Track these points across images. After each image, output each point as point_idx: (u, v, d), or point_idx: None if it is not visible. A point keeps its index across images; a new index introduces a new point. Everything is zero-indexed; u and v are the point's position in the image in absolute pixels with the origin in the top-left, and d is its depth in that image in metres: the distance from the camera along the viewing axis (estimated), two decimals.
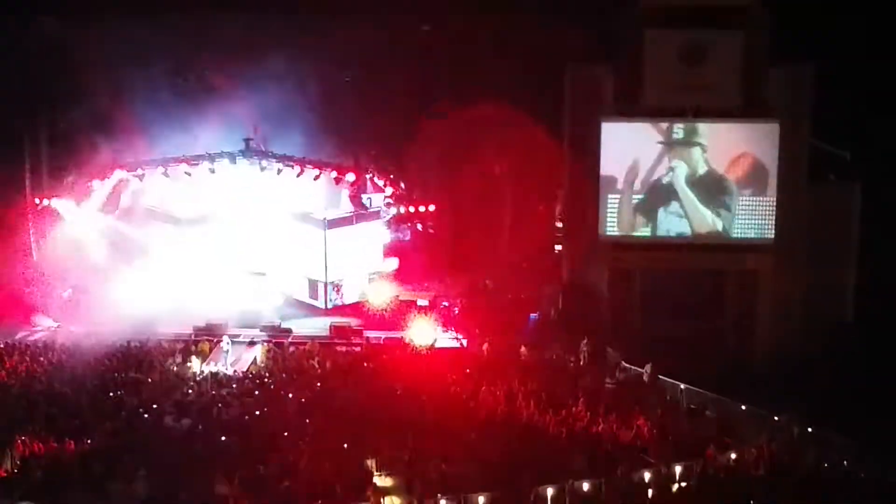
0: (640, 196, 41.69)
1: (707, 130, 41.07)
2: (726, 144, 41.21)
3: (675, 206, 41.64)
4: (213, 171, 44.69)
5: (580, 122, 42.29)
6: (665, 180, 41.40)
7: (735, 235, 41.56)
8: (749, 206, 41.34)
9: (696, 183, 41.38)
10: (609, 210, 41.89)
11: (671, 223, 41.77)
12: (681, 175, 41.31)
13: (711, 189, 41.40)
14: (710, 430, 29.87)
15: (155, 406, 31.20)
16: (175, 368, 36.84)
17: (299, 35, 44.77)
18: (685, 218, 41.62)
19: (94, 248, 44.15)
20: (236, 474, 25.27)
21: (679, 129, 41.12)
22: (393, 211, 46.86)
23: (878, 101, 40.78)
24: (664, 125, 41.15)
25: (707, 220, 41.53)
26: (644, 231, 42.00)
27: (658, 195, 41.61)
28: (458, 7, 45.11)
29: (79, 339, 39.24)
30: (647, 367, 35.66)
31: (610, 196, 41.82)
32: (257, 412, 30.67)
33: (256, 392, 33.25)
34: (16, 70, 43.44)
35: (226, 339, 39.32)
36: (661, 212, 41.66)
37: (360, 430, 28.72)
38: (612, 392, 33.94)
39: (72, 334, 40.50)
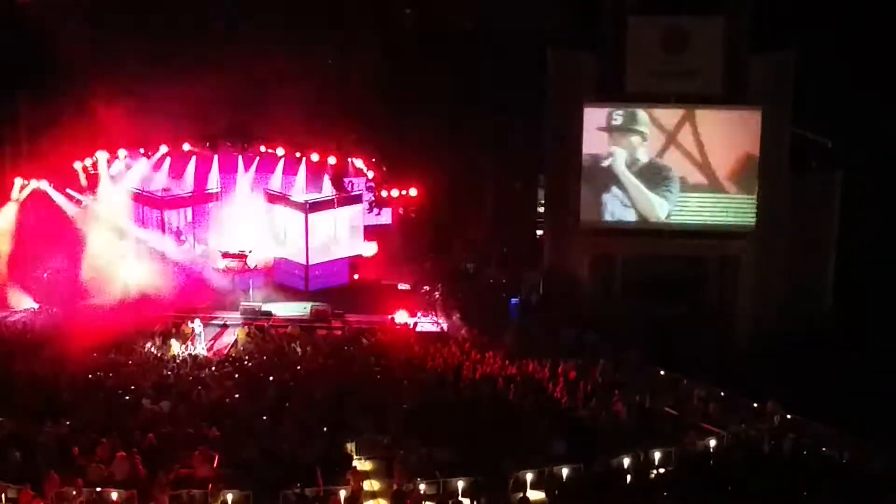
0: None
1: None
2: (708, 131, 41.38)
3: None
4: (194, 154, 44.55)
5: (562, 108, 42.32)
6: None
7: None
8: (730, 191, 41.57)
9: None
10: (605, 197, 42.13)
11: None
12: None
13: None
14: (689, 416, 29.91)
15: (134, 388, 31.05)
16: (154, 350, 36.68)
17: (281, 18, 44.58)
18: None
19: (74, 228, 43.88)
20: (216, 457, 25.19)
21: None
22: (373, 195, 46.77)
23: (859, 88, 40.86)
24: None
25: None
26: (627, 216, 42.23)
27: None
28: None
29: (57, 321, 39.04)
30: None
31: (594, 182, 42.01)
32: (237, 395, 30.57)
33: (236, 375, 33.13)
34: None
35: (197, 322, 39.00)
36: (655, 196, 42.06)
37: (340, 413, 28.71)
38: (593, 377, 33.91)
39: (50, 315, 40.32)
